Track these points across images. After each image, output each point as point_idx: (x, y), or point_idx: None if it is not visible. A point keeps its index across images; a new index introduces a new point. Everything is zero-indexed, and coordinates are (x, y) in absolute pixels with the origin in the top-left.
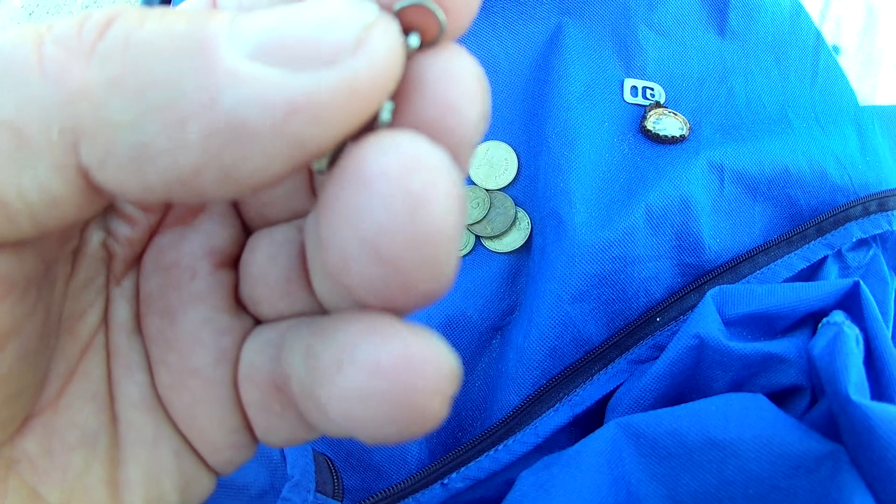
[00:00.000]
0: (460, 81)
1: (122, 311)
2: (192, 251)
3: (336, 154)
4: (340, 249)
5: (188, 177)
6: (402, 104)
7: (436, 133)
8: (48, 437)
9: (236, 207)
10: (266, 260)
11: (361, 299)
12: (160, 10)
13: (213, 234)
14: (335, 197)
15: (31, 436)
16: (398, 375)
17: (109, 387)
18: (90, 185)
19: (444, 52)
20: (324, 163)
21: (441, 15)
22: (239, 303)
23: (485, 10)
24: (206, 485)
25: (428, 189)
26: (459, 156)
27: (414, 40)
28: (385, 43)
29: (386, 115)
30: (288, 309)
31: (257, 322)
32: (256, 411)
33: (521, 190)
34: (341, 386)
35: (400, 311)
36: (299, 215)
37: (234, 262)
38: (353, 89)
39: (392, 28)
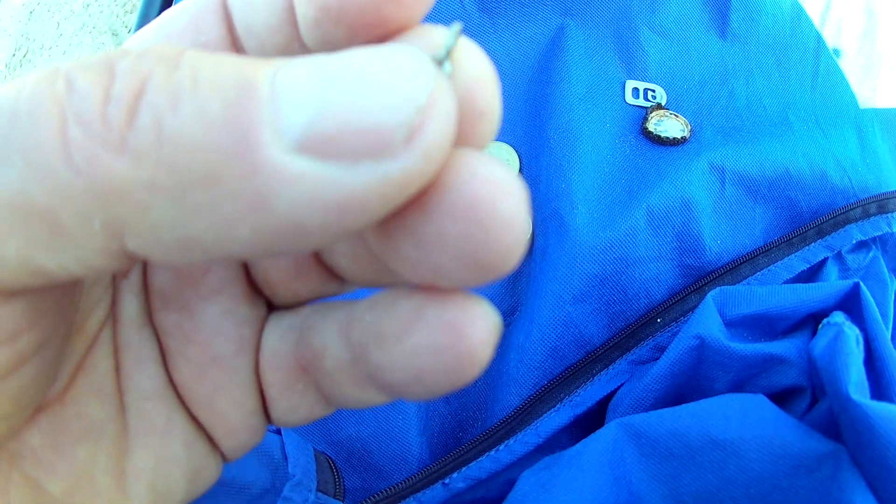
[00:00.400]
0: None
1: (130, 306)
2: None
3: None
4: (435, 265)
5: (237, 258)
6: None
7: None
8: (54, 430)
9: None
10: None
11: (437, 285)
12: (191, 71)
13: None
14: (424, 222)
15: (37, 429)
16: (461, 330)
17: (118, 379)
18: (132, 258)
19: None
20: None
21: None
22: (254, 288)
23: (487, 10)
24: (213, 472)
25: (514, 208)
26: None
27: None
28: (440, 130)
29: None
30: (303, 289)
31: (272, 306)
32: (278, 392)
33: None
34: (414, 344)
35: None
36: None
37: None
38: (404, 185)
39: (447, 105)
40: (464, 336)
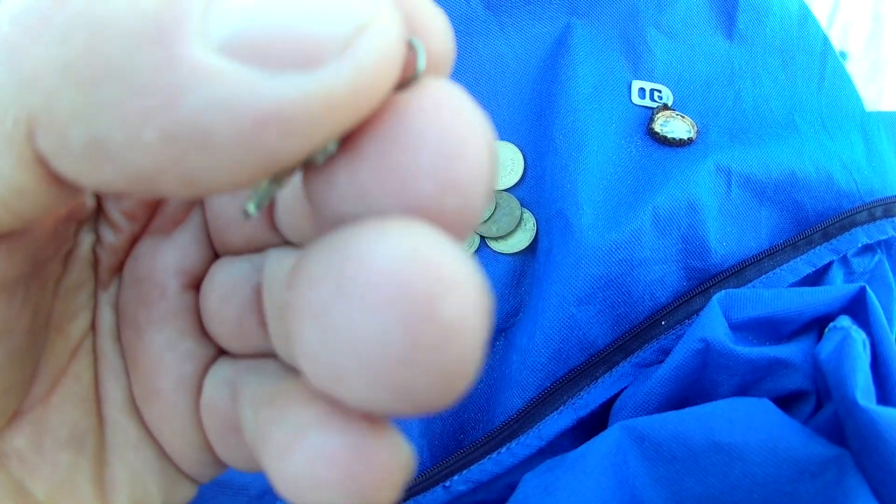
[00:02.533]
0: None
1: (107, 317)
2: (164, 266)
3: (268, 195)
4: (329, 364)
5: (146, 176)
6: (371, 143)
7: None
8: (38, 433)
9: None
10: (220, 300)
11: (348, 406)
12: None
13: (186, 250)
14: (316, 300)
15: (21, 432)
16: (348, 466)
17: (97, 390)
18: (52, 175)
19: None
20: (251, 206)
21: (422, 56)
22: (204, 329)
23: (493, 9)
24: (187, 489)
25: (448, 304)
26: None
27: (422, 60)
28: (377, 48)
29: (331, 146)
30: (243, 348)
31: (222, 350)
32: (215, 439)
33: (528, 191)
34: (289, 470)
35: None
36: (257, 248)
37: (200, 286)
38: (331, 102)
39: (392, 31)
40: (355, 475)
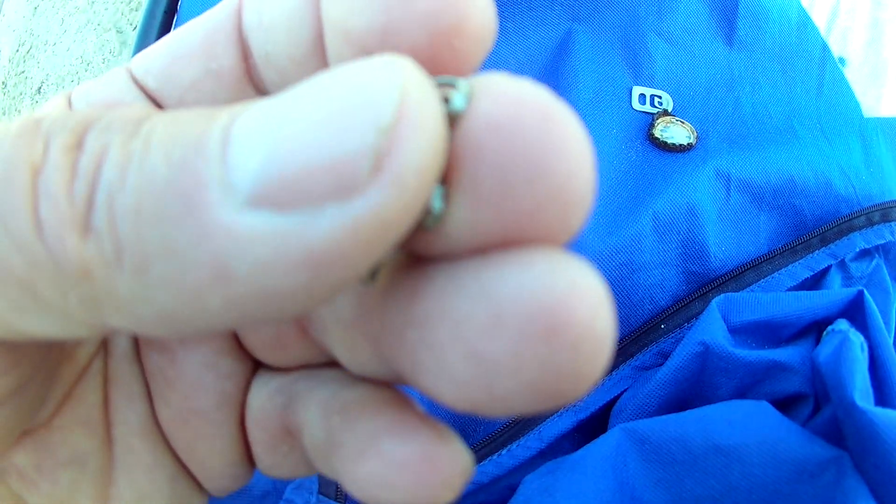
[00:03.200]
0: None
1: (123, 340)
2: None
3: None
4: (484, 389)
5: (221, 329)
6: (458, 179)
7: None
8: (38, 452)
9: None
10: None
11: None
12: (147, 136)
13: None
14: (470, 337)
15: (22, 450)
16: (417, 471)
17: (106, 412)
18: (120, 331)
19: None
20: (367, 277)
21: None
22: (240, 344)
23: (496, 14)
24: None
25: (598, 323)
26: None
27: (459, 101)
28: (415, 151)
29: (437, 205)
30: (283, 360)
31: (260, 363)
32: (263, 450)
33: None
34: (363, 472)
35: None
36: None
37: None
38: (381, 225)
39: (423, 118)
40: (423, 478)
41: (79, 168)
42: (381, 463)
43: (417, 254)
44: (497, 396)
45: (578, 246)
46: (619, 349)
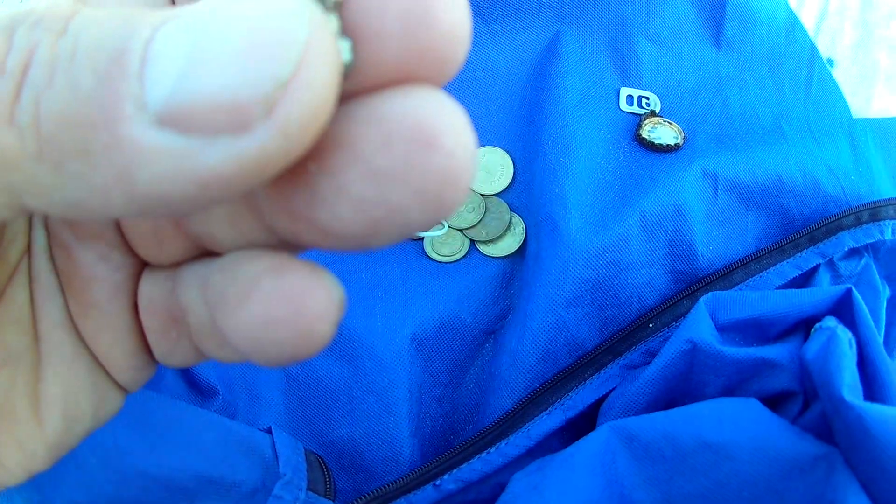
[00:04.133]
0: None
1: (40, 237)
2: None
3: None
4: (378, 198)
5: (123, 217)
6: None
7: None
8: None
9: None
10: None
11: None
12: (73, 39)
13: None
14: (365, 150)
15: None
16: (297, 303)
17: (32, 309)
18: (36, 212)
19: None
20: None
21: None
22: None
23: (483, 16)
24: (116, 401)
25: (451, 140)
26: None
27: (346, 55)
28: (303, 106)
29: (347, 57)
30: (163, 256)
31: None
32: (156, 338)
33: (517, 195)
34: (246, 316)
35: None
36: None
37: None
38: (264, 162)
39: (315, 79)
40: (301, 310)
41: (6, 65)
42: (263, 302)
43: None
44: (392, 207)
45: (567, 244)
46: (608, 347)
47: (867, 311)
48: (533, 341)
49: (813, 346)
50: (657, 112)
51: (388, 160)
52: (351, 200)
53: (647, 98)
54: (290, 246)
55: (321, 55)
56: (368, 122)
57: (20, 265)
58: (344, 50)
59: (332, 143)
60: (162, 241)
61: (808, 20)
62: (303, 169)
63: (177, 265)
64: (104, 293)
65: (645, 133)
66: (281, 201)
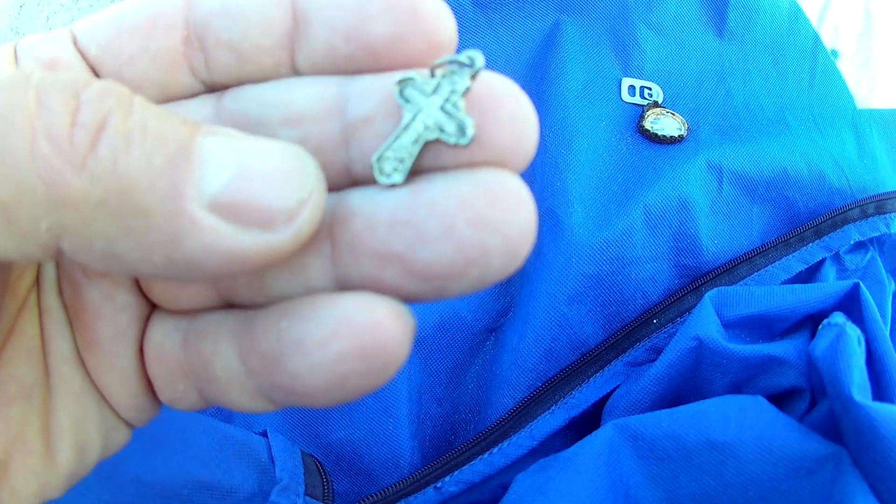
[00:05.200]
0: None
1: (49, 271)
2: None
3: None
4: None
5: (146, 276)
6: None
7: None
8: None
9: None
10: None
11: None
12: (142, 120)
13: None
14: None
15: None
16: (385, 333)
17: (42, 343)
18: (65, 256)
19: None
20: (399, 178)
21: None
22: (137, 282)
23: (481, 5)
24: (124, 434)
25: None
26: None
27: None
28: (310, 219)
29: (471, 132)
30: (179, 302)
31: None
32: (162, 385)
33: None
34: (339, 349)
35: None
36: None
37: None
38: (279, 252)
39: (320, 199)
40: (389, 337)
41: (79, 119)
42: (356, 333)
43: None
44: (486, 249)
45: (570, 239)
46: (611, 344)
47: (875, 307)
48: (535, 339)
49: (821, 343)
50: (660, 103)
51: (492, 212)
52: (454, 240)
53: (650, 88)
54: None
55: (322, 189)
56: (480, 184)
57: (29, 298)
58: (469, 125)
59: (444, 195)
60: (184, 286)
61: (811, 11)
62: (412, 214)
63: (190, 313)
64: (108, 332)
65: (648, 124)
66: (373, 244)
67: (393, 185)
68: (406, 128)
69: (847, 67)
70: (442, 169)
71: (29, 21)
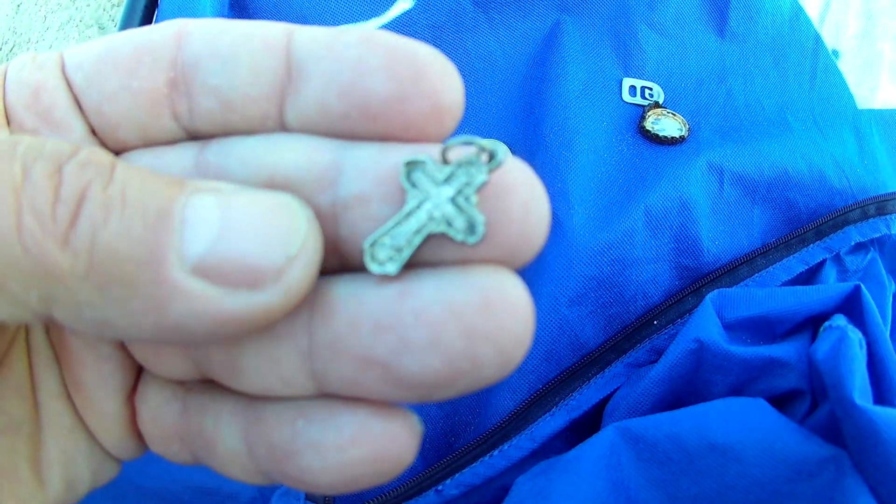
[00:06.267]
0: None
1: None
2: None
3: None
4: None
5: (142, 341)
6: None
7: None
8: None
9: None
10: None
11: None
12: (121, 188)
13: None
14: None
15: None
16: (400, 442)
17: (32, 378)
18: (59, 324)
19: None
20: (394, 268)
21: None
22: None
23: (482, 5)
24: (113, 468)
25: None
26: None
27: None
28: (301, 276)
29: (482, 230)
30: (161, 369)
31: None
32: (156, 441)
33: None
34: (357, 455)
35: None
36: None
37: None
38: (269, 312)
39: (312, 255)
40: (402, 446)
41: (62, 194)
42: (375, 442)
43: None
44: (478, 361)
45: (570, 241)
46: (612, 346)
47: (876, 309)
48: (535, 340)
49: (823, 346)
50: (661, 103)
51: (484, 321)
52: (442, 352)
53: (651, 89)
54: (326, 397)
55: (315, 241)
56: (470, 289)
57: (18, 334)
58: (479, 223)
59: (432, 302)
60: (160, 355)
61: (812, 11)
62: (396, 321)
63: (182, 384)
64: (91, 378)
65: (649, 125)
66: (354, 347)
67: (385, 276)
68: (409, 215)
69: (848, 68)
70: (437, 264)
71: (26, 20)
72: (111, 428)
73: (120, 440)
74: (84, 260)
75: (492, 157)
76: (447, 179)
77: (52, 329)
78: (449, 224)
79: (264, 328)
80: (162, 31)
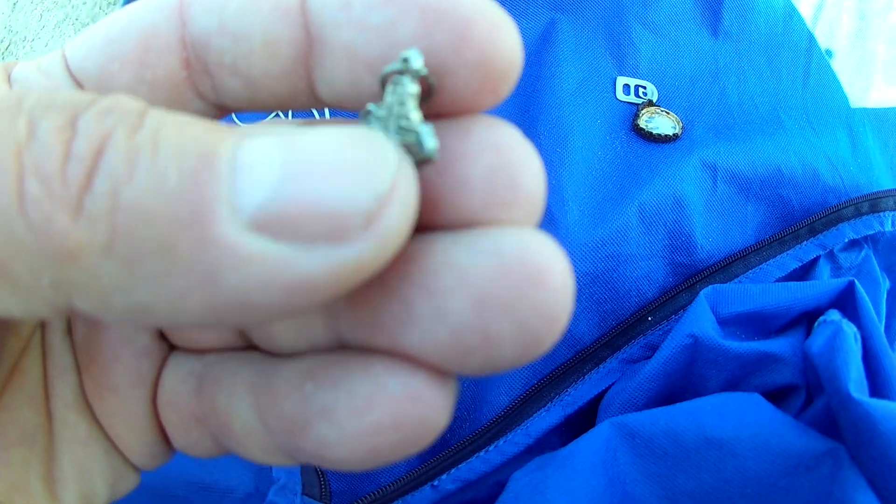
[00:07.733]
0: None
1: None
2: None
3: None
4: (484, 330)
5: (188, 327)
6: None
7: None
8: None
9: None
10: None
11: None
12: (153, 133)
13: None
14: (478, 287)
15: None
16: (426, 401)
17: (45, 386)
18: (83, 315)
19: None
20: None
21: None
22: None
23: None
24: (132, 480)
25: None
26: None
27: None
28: (398, 218)
29: (432, 144)
30: (198, 342)
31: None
32: (175, 431)
33: None
34: (374, 421)
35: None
36: None
37: None
38: (359, 271)
39: (408, 192)
40: (428, 408)
41: (74, 150)
42: (393, 404)
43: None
44: (489, 336)
45: (565, 237)
46: (607, 342)
47: (870, 304)
48: None
49: (818, 340)
50: (654, 101)
51: (497, 290)
52: (448, 324)
53: (645, 87)
54: (338, 352)
55: (409, 175)
56: (482, 252)
57: (32, 340)
58: (425, 134)
59: (438, 266)
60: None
61: (805, 10)
62: (400, 286)
63: (207, 352)
64: (125, 378)
65: (643, 123)
66: (368, 315)
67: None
68: None
69: (841, 67)
70: (449, 227)
71: (22, 19)
72: (139, 432)
73: (147, 444)
74: (104, 229)
75: (405, 62)
76: (389, 111)
77: (75, 327)
78: (409, 151)
79: (351, 289)
80: (161, 8)
